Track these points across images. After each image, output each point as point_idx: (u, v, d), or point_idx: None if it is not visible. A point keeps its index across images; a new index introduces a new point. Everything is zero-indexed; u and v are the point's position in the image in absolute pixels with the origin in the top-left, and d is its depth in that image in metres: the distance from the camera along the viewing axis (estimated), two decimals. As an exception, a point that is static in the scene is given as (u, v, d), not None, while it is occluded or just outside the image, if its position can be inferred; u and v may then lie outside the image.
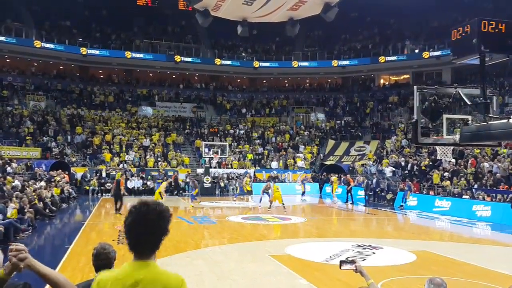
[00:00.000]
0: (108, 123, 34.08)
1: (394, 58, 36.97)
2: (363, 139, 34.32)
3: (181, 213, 19.03)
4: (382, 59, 37.12)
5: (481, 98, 7.40)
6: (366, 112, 37.89)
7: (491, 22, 7.23)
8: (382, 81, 41.84)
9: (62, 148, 29.21)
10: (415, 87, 8.12)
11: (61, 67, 38.36)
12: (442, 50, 33.87)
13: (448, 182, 21.46)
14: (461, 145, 8.31)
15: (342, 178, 27.35)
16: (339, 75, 41.88)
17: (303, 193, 26.13)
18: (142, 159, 29.82)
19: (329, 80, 43.33)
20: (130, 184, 26.07)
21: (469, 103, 7.65)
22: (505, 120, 6.81)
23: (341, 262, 3.53)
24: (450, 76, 35.86)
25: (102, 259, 3.57)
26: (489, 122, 7.09)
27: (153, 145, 31.84)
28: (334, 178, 26.57)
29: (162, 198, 20.56)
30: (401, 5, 36.32)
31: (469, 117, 8.13)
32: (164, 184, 21.53)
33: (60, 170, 24.53)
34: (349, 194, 24.00)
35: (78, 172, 26.79)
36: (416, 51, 36.73)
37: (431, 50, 35.07)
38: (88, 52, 35.28)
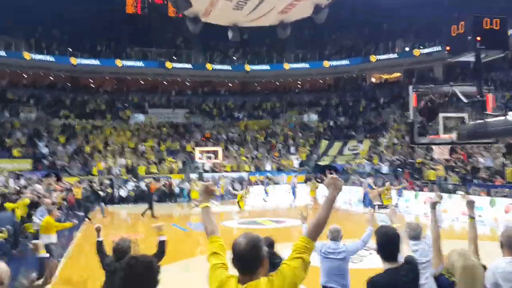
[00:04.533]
0: (100, 131, 33.83)
1: (385, 56, 36.99)
2: (356, 138, 34.33)
3: (176, 220, 18.83)
4: (373, 58, 37.14)
5: (477, 96, 7.32)
6: (359, 111, 37.92)
7: (485, 18, 7.18)
8: (373, 79, 41.92)
9: (54, 159, 28.93)
10: (410, 87, 8.05)
11: (51, 77, 38.05)
12: (432, 47, 33.96)
13: (442, 174, 21.44)
14: (459, 143, 8.25)
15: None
16: (331, 75, 41.86)
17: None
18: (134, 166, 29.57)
19: (321, 81, 43.32)
20: (123, 193, 25.82)
21: (465, 101, 7.58)
22: (503, 118, 6.74)
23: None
24: (441, 72, 35.96)
25: (121, 250, 4.46)
26: (486, 120, 7.02)
27: (145, 152, 31.61)
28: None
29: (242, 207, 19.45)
30: (390, 3, 36.42)
31: (466, 115, 8.06)
32: (244, 192, 20.48)
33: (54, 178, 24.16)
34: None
35: (71, 181, 26.46)
36: (407, 49, 36.85)
37: (422, 47, 35.16)
38: (79, 62, 34.98)
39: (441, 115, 7.92)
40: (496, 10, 32.13)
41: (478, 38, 7.12)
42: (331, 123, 37.57)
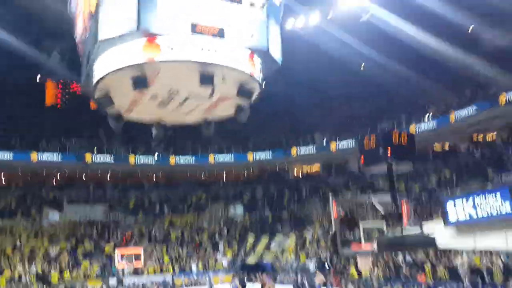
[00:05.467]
0: (9, 232, 30.83)
1: (305, 150, 38.62)
2: (282, 231, 34.23)
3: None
4: (293, 151, 38.61)
5: (393, 207, 7.53)
6: (283, 204, 38.27)
7: (395, 134, 7.64)
8: (295, 171, 43.17)
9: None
10: (330, 196, 8.20)
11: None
12: (347, 140, 35.89)
13: (367, 274, 21.53)
14: (380, 253, 8.35)
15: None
16: (255, 167, 42.47)
17: None
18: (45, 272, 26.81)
19: (245, 173, 43.70)
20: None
21: (382, 212, 7.78)
22: (419, 231, 6.95)
23: None
24: (357, 164, 37.67)
25: None
26: (404, 232, 7.19)
27: (59, 255, 29.01)
28: None
29: None
30: (306, 99, 38.74)
31: (384, 225, 8.24)
32: None
33: None
34: None
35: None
36: (324, 143, 38.63)
37: (338, 140, 36.98)
38: (-13, 156, 32.59)
39: (361, 225, 8.06)
40: (401, 101, 35.19)
41: (389, 152, 7.50)
42: (257, 216, 37.39)
